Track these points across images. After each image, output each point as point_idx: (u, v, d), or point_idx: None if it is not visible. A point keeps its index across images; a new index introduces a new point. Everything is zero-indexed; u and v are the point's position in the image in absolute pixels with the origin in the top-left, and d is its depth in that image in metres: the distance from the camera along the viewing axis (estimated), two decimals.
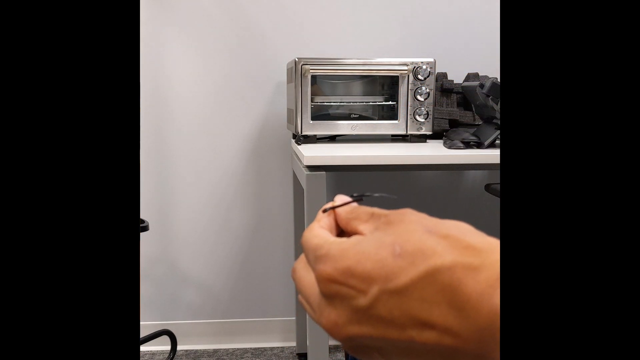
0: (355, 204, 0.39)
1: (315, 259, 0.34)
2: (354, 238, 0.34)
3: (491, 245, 0.30)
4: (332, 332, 0.33)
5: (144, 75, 2.04)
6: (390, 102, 1.76)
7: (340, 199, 0.39)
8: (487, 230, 2.21)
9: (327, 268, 0.33)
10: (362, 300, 0.31)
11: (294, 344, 2.21)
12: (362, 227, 0.36)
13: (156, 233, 2.13)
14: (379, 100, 1.78)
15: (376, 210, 0.36)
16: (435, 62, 1.70)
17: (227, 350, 2.18)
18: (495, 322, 0.27)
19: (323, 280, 0.33)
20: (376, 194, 0.41)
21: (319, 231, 0.36)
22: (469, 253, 0.29)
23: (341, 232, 0.38)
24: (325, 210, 0.39)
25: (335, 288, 0.32)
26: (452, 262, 0.29)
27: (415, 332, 0.30)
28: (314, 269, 0.34)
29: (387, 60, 1.69)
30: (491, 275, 0.28)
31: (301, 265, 0.37)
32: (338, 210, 0.38)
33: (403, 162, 1.43)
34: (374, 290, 0.31)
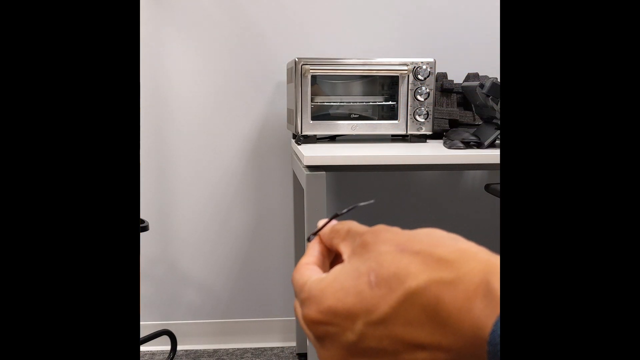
0: (334, 222, 0.39)
1: (300, 303, 0.35)
2: (332, 273, 0.34)
3: (463, 254, 0.30)
4: None
5: (144, 75, 2.04)
6: (390, 102, 1.76)
7: (322, 223, 0.40)
8: (487, 230, 2.21)
9: (310, 312, 0.33)
10: (350, 336, 0.32)
11: (294, 344, 2.21)
12: (341, 246, 0.36)
13: (156, 233, 2.13)
14: (379, 100, 1.78)
15: (353, 226, 0.37)
16: (435, 62, 1.70)
17: (227, 350, 2.18)
18: (478, 335, 0.28)
19: (310, 324, 0.33)
20: (347, 210, 0.41)
21: (303, 270, 0.37)
22: (442, 267, 0.30)
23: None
24: (309, 239, 0.39)
25: (323, 329, 0.33)
26: (426, 280, 0.29)
27: (408, 355, 0.30)
28: (301, 313, 0.35)
29: (387, 60, 1.69)
30: (467, 288, 0.28)
31: (299, 305, 0.37)
32: (322, 232, 0.39)
33: (403, 162, 1.43)
34: (358, 325, 0.31)
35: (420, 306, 0.29)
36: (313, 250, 0.38)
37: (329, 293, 0.33)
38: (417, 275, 0.30)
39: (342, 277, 0.33)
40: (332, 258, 0.39)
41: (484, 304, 0.28)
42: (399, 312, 0.30)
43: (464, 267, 0.29)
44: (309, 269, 0.37)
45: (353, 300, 0.31)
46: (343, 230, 0.37)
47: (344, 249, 0.35)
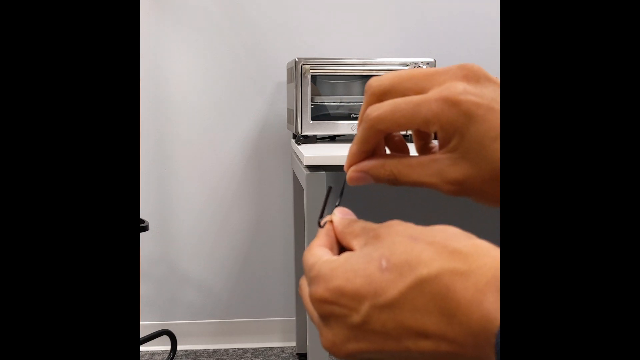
0: (352, 218, 0.39)
1: (309, 281, 0.35)
2: (343, 256, 0.34)
3: (477, 249, 0.30)
4: (331, 351, 0.33)
5: (144, 75, 2.04)
6: None
7: (340, 211, 0.40)
8: (487, 230, 2.21)
9: (318, 289, 0.33)
10: (355, 318, 0.31)
11: (294, 344, 2.21)
12: (354, 241, 0.36)
13: (156, 233, 2.13)
14: None
15: (368, 224, 0.37)
16: (435, 62, 1.70)
17: (227, 350, 2.18)
18: (487, 327, 0.27)
19: (316, 302, 0.33)
20: (341, 188, 0.41)
21: (315, 250, 0.37)
22: (455, 258, 0.30)
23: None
24: (321, 225, 0.39)
25: (329, 308, 0.33)
26: (438, 269, 0.29)
27: (411, 343, 0.30)
28: (308, 291, 0.35)
29: (387, 60, 1.69)
30: (479, 280, 0.28)
31: (305, 283, 0.37)
32: (335, 223, 0.39)
33: None
34: (364, 307, 0.31)
35: (430, 294, 0.29)
36: (325, 235, 0.38)
37: (338, 273, 0.33)
38: (429, 264, 0.30)
39: (354, 260, 0.33)
40: (339, 250, 0.39)
41: (495, 297, 0.28)
42: (407, 298, 0.30)
43: (477, 260, 0.29)
44: (321, 250, 0.36)
45: (362, 281, 0.31)
46: (359, 226, 0.37)
47: (356, 243, 0.35)
